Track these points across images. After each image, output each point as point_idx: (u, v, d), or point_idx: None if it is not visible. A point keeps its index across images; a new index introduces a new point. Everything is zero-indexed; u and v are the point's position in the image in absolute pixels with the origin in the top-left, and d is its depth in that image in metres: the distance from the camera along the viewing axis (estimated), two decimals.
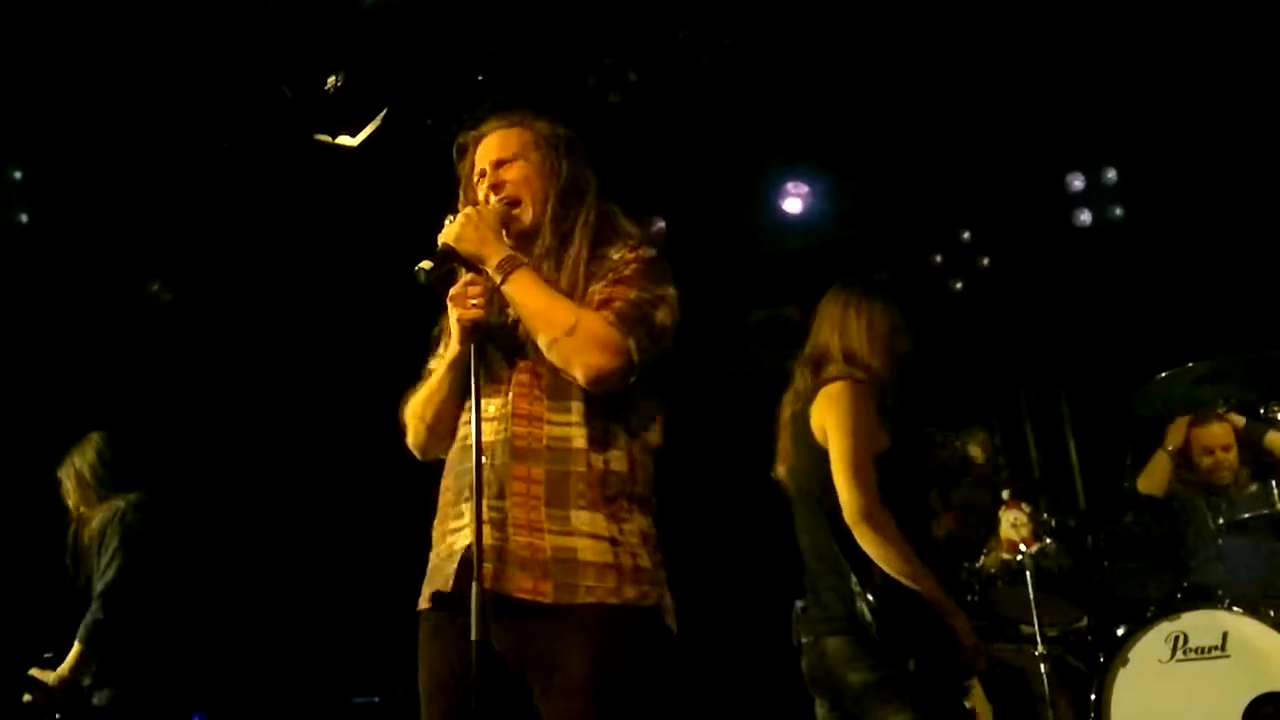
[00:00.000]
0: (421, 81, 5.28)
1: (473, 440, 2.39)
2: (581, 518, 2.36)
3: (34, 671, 4.29)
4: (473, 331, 2.46)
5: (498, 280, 2.43)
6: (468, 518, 2.35)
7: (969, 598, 4.92)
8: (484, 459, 2.39)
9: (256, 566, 5.99)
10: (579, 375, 2.37)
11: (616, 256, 2.50)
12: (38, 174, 5.74)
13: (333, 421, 6.13)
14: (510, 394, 2.44)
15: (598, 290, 2.45)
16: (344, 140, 5.30)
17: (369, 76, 5.19)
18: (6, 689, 4.41)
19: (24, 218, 5.77)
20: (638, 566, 2.37)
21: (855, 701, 3.20)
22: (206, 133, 5.49)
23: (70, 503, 4.51)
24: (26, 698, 4.29)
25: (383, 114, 5.24)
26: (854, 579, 3.19)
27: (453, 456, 2.52)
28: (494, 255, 2.43)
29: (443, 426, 2.53)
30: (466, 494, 2.38)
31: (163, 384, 5.98)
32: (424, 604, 2.50)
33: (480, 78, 5.20)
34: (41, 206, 5.79)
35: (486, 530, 2.34)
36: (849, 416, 3.28)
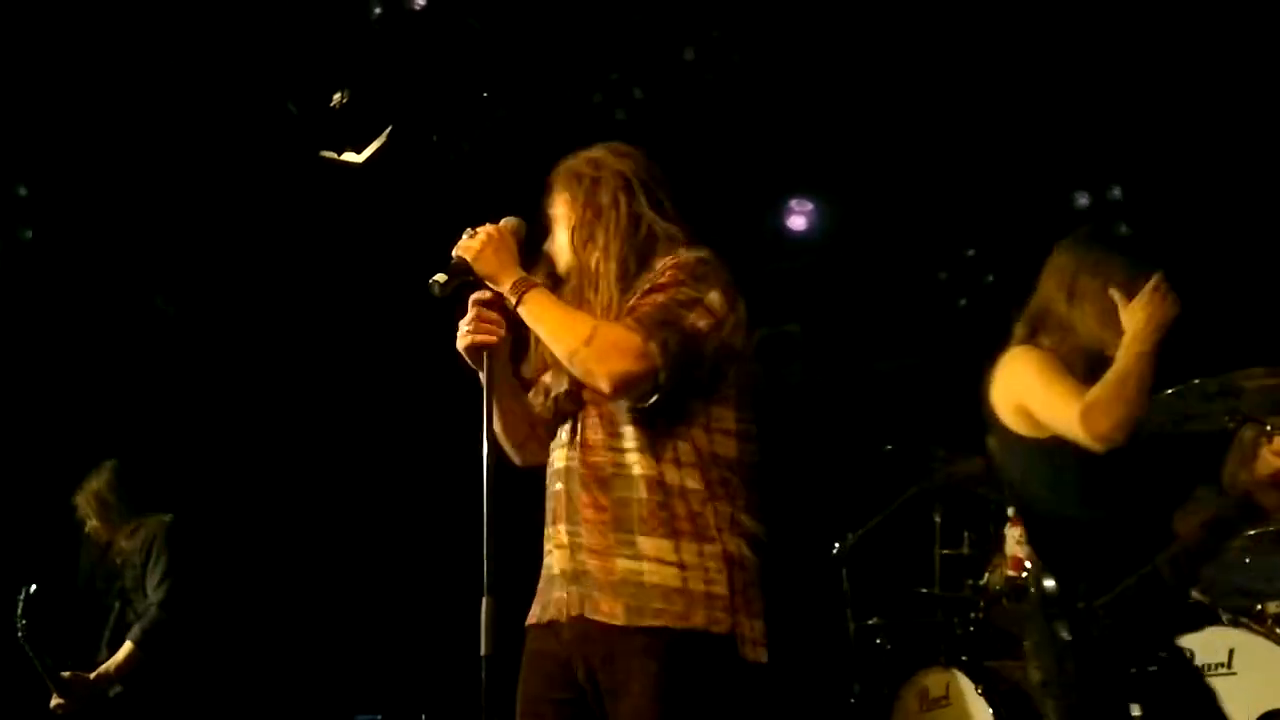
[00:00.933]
0: (427, 98, 5.30)
1: (557, 465, 2.46)
2: (647, 544, 2.34)
3: (68, 674, 4.35)
4: (474, 356, 2.46)
5: (512, 302, 2.43)
6: (554, 540, 2.43)
7: (973, 615, 4.92)
8: (560, 485, 2.44)
9: (257, 580, 5.97)
10: (603, 385, 2.33)
11: (659, 266, 2.45)
12: (42, 190, 5.75)
13: (338, 435, 6.12)
14: (578, 419, 2.45)
15: (631, 301, 2.41)
16: (349, 157, 5.31)
17: (374, 93, 5.20)
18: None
19: (29, 234, 5.79)
20: (710, 593, 2.31)
21: (1039, 702, 3.00)
22: (212, 148, 5.50)
23: (89, 525, 4.67)
24: (55, 702, 4.34)
25: (388, 131, 5.26)
26: (1038, 564, 2.95)
27: (547, 481, 2.53)
28: (508, 278, 2.44)
29: (518, 436, 2.55)
30: (551, 518, 2.45)
31: (165, 398, 5.97)
32: (531, 620, 2.50)
33: (486, 94, 5.22)
34: (46, 222, 5.80)
35: (567, 555, 2.40)
36: (1037, 373, 2.88)
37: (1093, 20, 5.37)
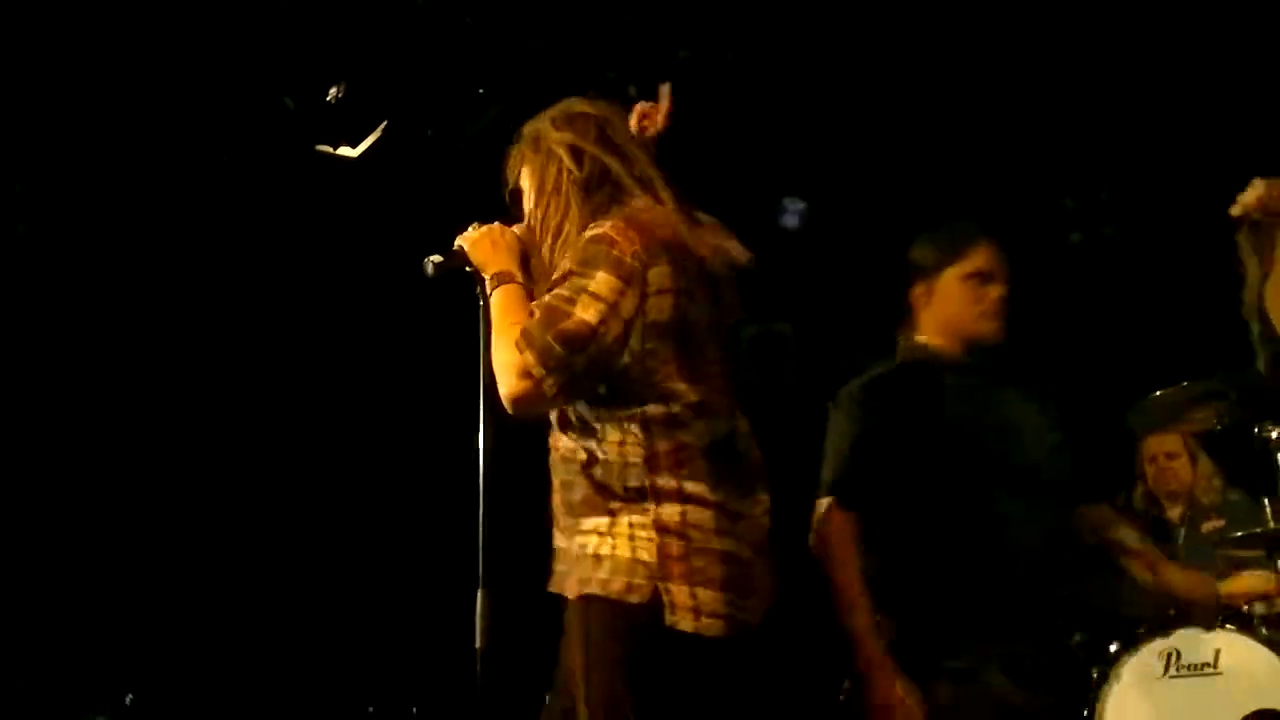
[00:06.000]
0: (422, 93, 5.31)
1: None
2: (588, 523, 2.37)
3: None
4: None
5: (488, 292, 2.47)
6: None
7: None
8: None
9: (249, 574, 5.98)
10: (505, 407, 2.33)
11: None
12: (38, 185, 5.74)
13: (331, 427, 6.13)
14: None
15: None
16: (345, 151, 5.32)
17: (370, 88, 5.21)
18: None
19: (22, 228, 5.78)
20: (634, 559, 2.28)
21: None
22: (207, 143, 5.50)
23: None
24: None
25: (383, 125, 5.27)
26: None
27: None
28: (493, 268, 2.48)
29: None
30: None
31: (163, 393, 5.97)
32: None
33: (481, 90, 5.23)
34: (40, 217, 5.79)
35: (555, 533, 2.44)
36: None
37: (1079, 26, 5.40)
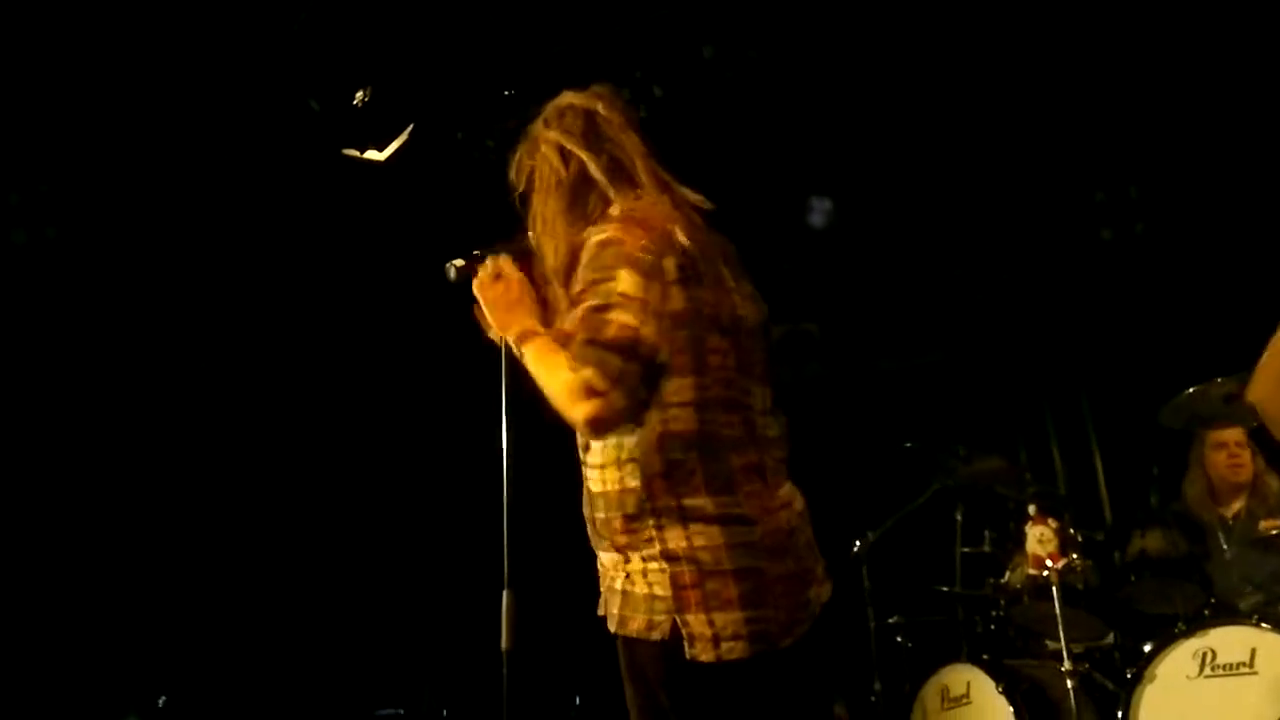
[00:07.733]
0: (450, 96, 5.31)
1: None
2: (603, 557, 2.36)
3: None
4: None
5: (518, 353, 2.41)
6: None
7: (994, 613, 4.92)
8: None
9: (278, 575, 6.01)
10: (584, 435, 2.31)
11: (584, 258, 2.31)
12: (65, 189, 5.79)
13: (357, 428, 6.15)
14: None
15: (569, 299, 2.32)
16: (372, 154, 5.33)
17: (397, 90, 5.22)
18: None
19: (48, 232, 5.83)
20: (652, 594, 2.24)
21: None
22: (235, 147, 5.53)
23: None
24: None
25: (410, 128, 5.27)
26: None
27: None
28: (514, 329, 2.42)
29: None
30: None
31: (193, 395, 6.01)
32: None
33: (508, 92, 5.23)
34: (68, 221, 5.84)
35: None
36: None
37: (1109, 23, 5.36)
